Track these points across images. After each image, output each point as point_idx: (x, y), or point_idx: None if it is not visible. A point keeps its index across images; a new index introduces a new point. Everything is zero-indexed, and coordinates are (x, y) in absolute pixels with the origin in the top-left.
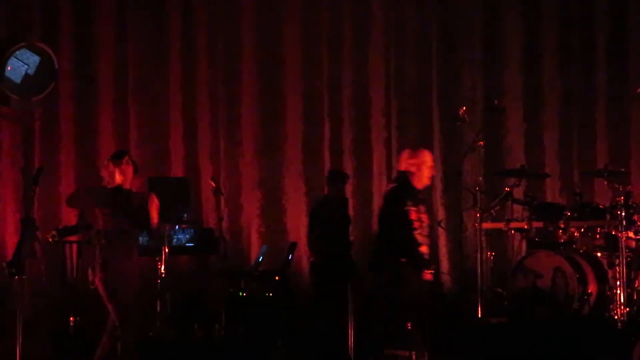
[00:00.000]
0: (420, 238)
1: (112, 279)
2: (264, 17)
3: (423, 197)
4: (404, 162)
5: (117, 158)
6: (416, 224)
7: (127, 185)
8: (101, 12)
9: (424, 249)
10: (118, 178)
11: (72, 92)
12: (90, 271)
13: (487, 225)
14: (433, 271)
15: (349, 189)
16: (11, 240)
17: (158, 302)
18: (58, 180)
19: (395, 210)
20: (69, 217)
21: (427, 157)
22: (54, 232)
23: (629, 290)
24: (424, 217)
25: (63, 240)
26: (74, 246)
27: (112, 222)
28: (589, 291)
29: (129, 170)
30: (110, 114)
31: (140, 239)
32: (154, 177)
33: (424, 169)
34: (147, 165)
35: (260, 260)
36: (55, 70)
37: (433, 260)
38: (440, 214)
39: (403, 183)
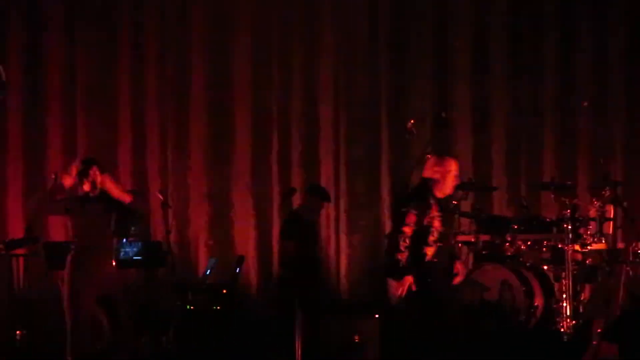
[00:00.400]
0: (405, 244)
1: (78, 283)
2: (214, 30)
3: (446, 205)
4: (429, 170)
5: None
6: (406, 229)
7: (95, 193)
8: (50, 24)
9: (403, 255)
10: (86, 187)
11: (20, 104)
12: (59, 282)
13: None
14: (403, 282)
15: (296, 202)
16: None
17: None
18: (5, 193)
19: (393, 212)
20: (16, 229)
21: (452, 166)
22: (0, 245)
23: (575, 303)
24: (436, 222)
25: (10, 253)
26: (21, 259)
27: (82, 231)
28: (536, 304)
29: (97, 179)
30: (59, 126)
31: None
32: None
33: (448, 177)
34: None
35: (208, 273)
36: (3, 83)
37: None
38: (388, 226)
39: (419, 188)
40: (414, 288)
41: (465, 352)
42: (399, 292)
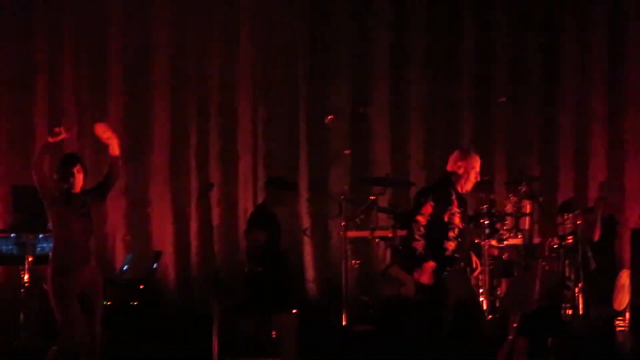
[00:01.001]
0: (420, 233)
1: (62, 286)
2: (133, 23)
3: (464, 200)
4: (452, 163)
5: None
6: (420, 218)
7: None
8: None
9: (419, 244)
10: (69, 184)
11: None
12: (44, 285)
13: (352, 233)
14: (424, 268)
15: (214, 197)
16: None
17: (22, 312)
18: None
19: (414, 201)
20: None
21: (476, 162)
22: None
23: (492, 298)
24: (456, 219)
25: None
26: None
27: (64, 228)
28: None
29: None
30: None
31: (4, 247)
32: (18, 185)
33: (471, 173)
34: (13, 174)
35: (125, 268)
36: None
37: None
38: (306, 222)
39: (440, 181)
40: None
41: (380, 347)
42: (425, 279)
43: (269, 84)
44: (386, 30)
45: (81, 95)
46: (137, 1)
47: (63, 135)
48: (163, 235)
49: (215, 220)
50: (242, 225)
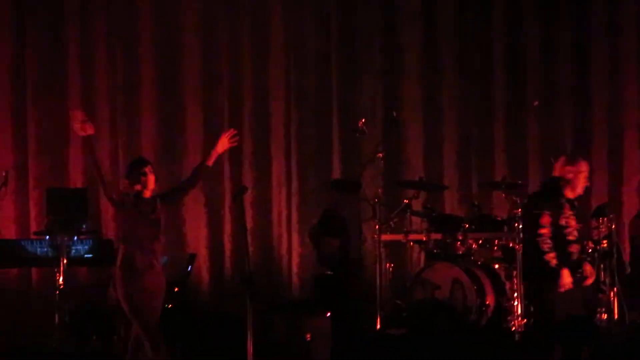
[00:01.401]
0: (548, 245)
1: (136, 293)
2: (163, 26)
3: (575, 205)
4: (559, 169)
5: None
6: (544, 230)
7: (147, 195)
8: None
9: (550, 256)
10: (138, 187)
11: None
12: (110, 289)
13: (386, 237)
14: (570, 279)
15: (248, 200)
16: None
17: (56, 314)
18: None
19: (525, 213)
20: None
21: (584, 167)
22: None
23: (526, 302)
24: (571, 221)
25: None
26: None
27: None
28: (487, 303)
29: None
30: (8, 123)
31: (39, 249)
32: (52, 187)
33: (580, 178)
34: (46, 176)
35: None
36: None
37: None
38: None
39: (548, 188)
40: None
41: (414, 351)
42: (566, 284)
43: (302, 87)
44: (418, 34)
45: (114, 98)
46: (166, 3)
47: (88, 129)
48: (197, 238)
49: (249, 223)
50: (276, 228)
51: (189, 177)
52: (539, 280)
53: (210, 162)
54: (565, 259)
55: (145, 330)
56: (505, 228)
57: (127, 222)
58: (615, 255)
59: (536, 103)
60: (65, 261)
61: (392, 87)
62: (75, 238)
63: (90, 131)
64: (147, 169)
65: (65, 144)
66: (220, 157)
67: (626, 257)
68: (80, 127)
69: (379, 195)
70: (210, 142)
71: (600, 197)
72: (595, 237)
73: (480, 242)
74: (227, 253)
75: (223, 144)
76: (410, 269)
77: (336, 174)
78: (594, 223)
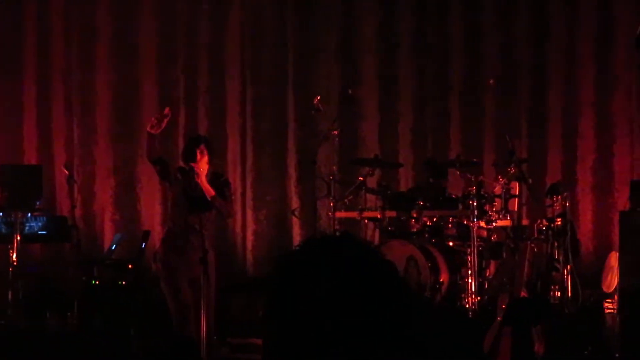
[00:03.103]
0: None
1: (171, 268)
2: (120, 2)
3: None
4: None
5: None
6: None
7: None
8: None
9: None
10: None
11: None
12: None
13: (340, 214)
14: None
15: None
16: None
17: (9, 291)
18: None
19: None
20: None
21: None
22: None
23: (480, 280)
24: None
25: None
26: None
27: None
28: (441, 280)
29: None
30: None
31: None
32: (7, 164)
33: None
34: (0, 153)
35: (113, 248)
36: None
37: (284, 249)
38: (295, 202)
39: None
40: None
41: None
42: None
43: (257, 64)
44: (374, 11)
45: (69, 74)
46: None
47: (164, 124)
48: (151, 215)
49: None
50: (235, 205)
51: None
52: None
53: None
54: None
55: (174, 307)
56: (460, 206)
57: (175, 199)
58: (569, 233)
59: (492, 81)
60: (19, 238)
61: (348, 65)
62: (29, 215)
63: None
64: (199, 150)
65: (19, 121)
66: (175, 133)
67: (580, 236)
68: (157, 124)
69: (334, 173)
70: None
71: (555, 175)
72: (550, 215)
73: (435, 219)
74: None
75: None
76: None
77: (292, 151)
78: (548, 201)
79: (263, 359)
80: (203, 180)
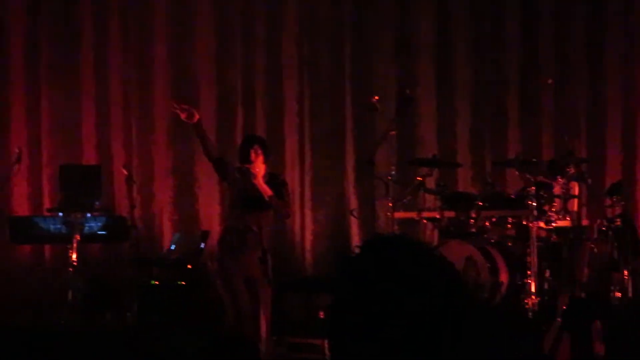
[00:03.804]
0: None
1: (227, 268)
2: (177, 4)
3: None
4: None
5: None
6: None
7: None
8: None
9: None
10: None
11: None
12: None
13: (399, 214)
14: None
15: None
16: None
17: (69, 290)
18: None
19: None
20: None
21: None
22: None
23: (540, 280)
24: None
25: None
26: None
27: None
28: (500, 280)
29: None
30: (22, 100)
31: (52, 226)
32: (66, 164)
33: None
34: (60, 153)
35: (172, 248)
36: None
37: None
38: (353, 203)
39: None
40: None
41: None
42: None
43: (315, 64)
44: (431, 10)
45: (127, 75)
46: None
47: (193, 115)
48: (210, 214)
49: None
50: (293, 206)
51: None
52: None
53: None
54: None
55: (229, 307)
56: (519, 206)
57: (232, 198)
58: (629, 234)
59: (550, 81)
60: (78, 238)
61: (406, 64)
62: (89, 215)
63: (197, 116)
64: (252, 150)
65: (78, 121)
66: (233, 133)
67: None
68: (187, 115)
69: (392, 173)
70: (224, 120)
71: (614, 175)
72: (609, 216)
73: (494, 220)
74: None
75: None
76: None
77: (349, 151)
78: (607, 201)
79: (331, 358)
80: (260, 181)
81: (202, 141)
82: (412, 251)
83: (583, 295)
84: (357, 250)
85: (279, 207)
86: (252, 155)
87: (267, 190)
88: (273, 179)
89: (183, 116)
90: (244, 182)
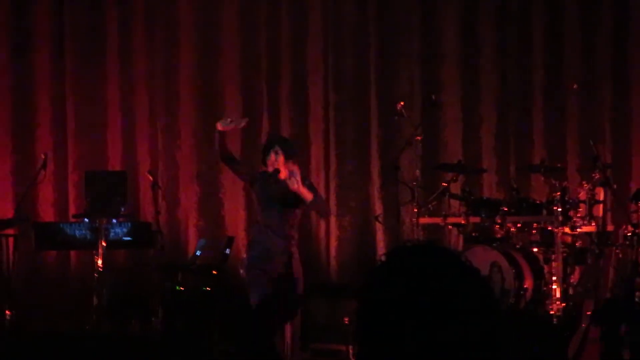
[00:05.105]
0: None
1: (257, 275)
2: (202, 8)
3: None
4: None
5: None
6: None
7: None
8: (38, 5)
9: None
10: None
11: (9, 84)
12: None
13: (424, 220)
14: None
15: None
16: None
17: (94, 296)
18: None
19: None
20: (5, 209)
21: None
22: None
23: (565, 286)
24: None
25: None
26: (10, 239)
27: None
28: (525, 286)
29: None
30: (48, 106)
31: (77, 232)
32: (91, 170)
33: None
34: (85, 159)
35: (197, 254)
36: None
37: (367, 255)
38: (378, 208)
39: None
40: None
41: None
42: None
43: (340, 70)
44: (455, 15)
45: (153, 81)
46: None
47: (234, 126)
48: (235, 221)
49: None
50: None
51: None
52: None
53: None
54: None
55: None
56: (544, 211)
57: (256, 201)
58: None
59: (575, 86)
60: (104, 244)
61: (431, 70)
62: (114, 221)
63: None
64: (273, 151)
65: (104, 127)
66: (258, 138)
67: None
68: (229, 124)
69: (418, 178)
70: (249, 126)
71: None
72: (635, 221)
73: (519, 225)
74: None
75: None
76: None
77: (374, 157)
78: (633, 207)
79: None
80: (301, 188)
81: (222, 141)
82: (439, 259)
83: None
84: (383, 258)
85: (320, 207)
86: (272, 156)
87: (307, 195)
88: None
89: (243, 125)
90: (268, 185)
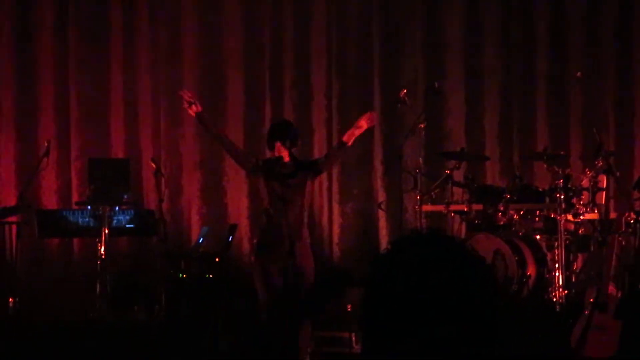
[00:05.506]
0: None
1: (263, 263)
2: None
3: None
4: None
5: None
6: None
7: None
8: None
9: None
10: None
11: (12, 72)
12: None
13: (427, 207)
14: None
15: None
16: None
17: (98, 284)
18: None
19: None
20: (8, 197)
21: None
22: None
23: (568, 273)
24: None
25: (2, 221)
26: (13, 227)
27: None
28: (528, 273)
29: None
30: (50, 93)
31: (80, 219)
32: (94, 158)
33: None
34: (88, 147)
35: (200, 241)
36: None
37: (370, 242)
38: (381, 196)
39: None
40: None
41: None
42: None
43: (343, 57)
44: (460, 4)
45: (155, 69)
46: None
47: (193, 106)
48: (238, 208)
49: None
50: (317, 199)
51: (333, 149)
52: None
53: (349, 143)
54: None
55: (263, 303)
56: (547, 199)
57: (263, 189)
58: None
59: (579, 74)
60: (106, 231)
61: (434, 58)
62: (117, 208)
63: (197, 109)
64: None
65: (106, 114)
66: (261, 126)
67: None
68: (188, 107)
69: (420, 166)
70: (251, 113)
71: None
72: (638, 208)
73: (522, 213)
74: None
75: (364, 123)
76: None
77: (377, 145)
78: (636, 194)
79: (362, 353)
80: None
81: (202, 124)
82: (443, 247)
83: (611, 288)
84: (388, 247)
85: (340, 155)
86: (278, 144)
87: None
88: (309, 162)
89: (185, 105)
90: (271, 172)
